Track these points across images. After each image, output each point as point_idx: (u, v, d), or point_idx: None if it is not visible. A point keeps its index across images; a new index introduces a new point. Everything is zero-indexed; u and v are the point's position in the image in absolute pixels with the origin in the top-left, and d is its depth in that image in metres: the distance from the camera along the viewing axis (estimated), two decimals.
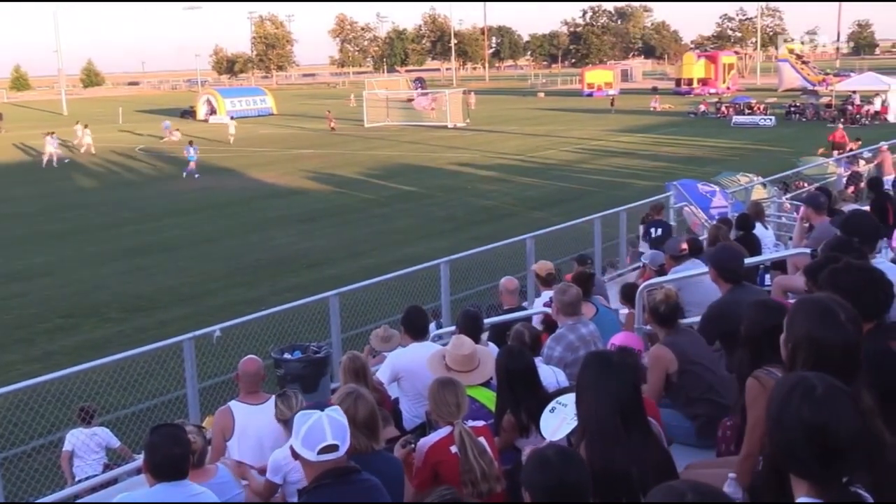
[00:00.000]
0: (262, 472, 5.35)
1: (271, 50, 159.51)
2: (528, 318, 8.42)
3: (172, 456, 4.31)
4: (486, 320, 9.43)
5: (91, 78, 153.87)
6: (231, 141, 51.28)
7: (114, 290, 19.40)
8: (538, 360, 6.19)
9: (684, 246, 9.63)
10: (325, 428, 3.73)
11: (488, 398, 5.65)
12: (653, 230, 14.24)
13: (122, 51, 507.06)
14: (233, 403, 6.33)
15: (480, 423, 4.96)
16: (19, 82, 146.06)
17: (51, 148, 43.35)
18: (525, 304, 10.01)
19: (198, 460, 5.11)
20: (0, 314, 17.87)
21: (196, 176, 37.46)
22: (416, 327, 6.99)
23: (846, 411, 2.38)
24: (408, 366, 6.68)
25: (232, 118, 61.44)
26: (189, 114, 74.08)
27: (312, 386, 8.55)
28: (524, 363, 5.38)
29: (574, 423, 4.23)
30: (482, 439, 4.76)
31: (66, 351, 15.26)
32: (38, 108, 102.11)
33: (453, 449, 4.63)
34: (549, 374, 6.18)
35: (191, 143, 40.57)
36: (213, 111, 72.88)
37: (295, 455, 3.84)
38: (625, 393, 3.74)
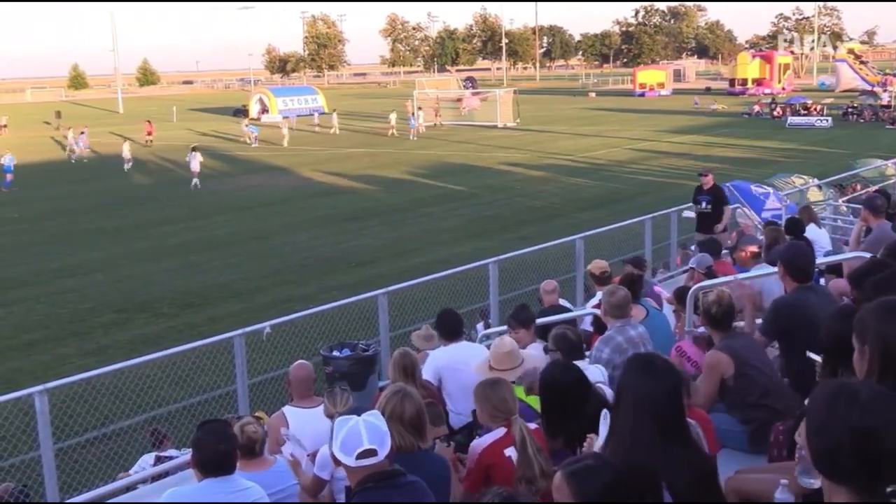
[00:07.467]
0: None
1: (323, 49, 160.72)
2: (574, 321, 8.38)
3: (219, 452, 4.34)
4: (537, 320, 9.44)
5: (146, 77, 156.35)
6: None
7: (166, 286, 19.69)
8: (584, 362, 6.12)
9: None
10: (361, 433, 3.69)
11: (533, 399, 5.60)
12: None
13: (176, 50, 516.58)
14: (286, 409, 6.30)
15: (532, 426, 4.89)
16: (77, 81, 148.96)
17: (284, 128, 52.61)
18: (562, 301, 9.99)
19: (259, 449, 5.16)
20: (56, 308, 18.25)
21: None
22: (448, 329, 7.22)
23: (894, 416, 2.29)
24: (448, 364, 6.85)
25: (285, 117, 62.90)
26: (242, 112, 75.01)
27: (360, 384, 8.55)
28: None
29: None
30: None
31: (120, 345, 15.54)
32: (95, 106, 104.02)
33: (507, 452, 4.55)
34: (597, 373, 6.12)
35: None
36: (265, 110, 73.77)
37: (336, 461, 3.82)
38: (665, 398, 3.52)
